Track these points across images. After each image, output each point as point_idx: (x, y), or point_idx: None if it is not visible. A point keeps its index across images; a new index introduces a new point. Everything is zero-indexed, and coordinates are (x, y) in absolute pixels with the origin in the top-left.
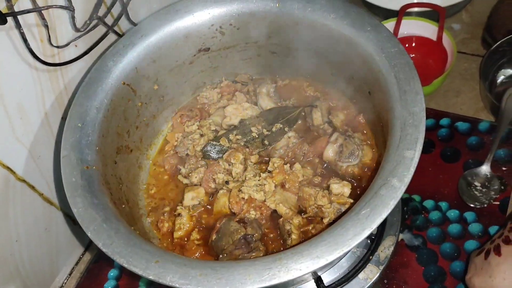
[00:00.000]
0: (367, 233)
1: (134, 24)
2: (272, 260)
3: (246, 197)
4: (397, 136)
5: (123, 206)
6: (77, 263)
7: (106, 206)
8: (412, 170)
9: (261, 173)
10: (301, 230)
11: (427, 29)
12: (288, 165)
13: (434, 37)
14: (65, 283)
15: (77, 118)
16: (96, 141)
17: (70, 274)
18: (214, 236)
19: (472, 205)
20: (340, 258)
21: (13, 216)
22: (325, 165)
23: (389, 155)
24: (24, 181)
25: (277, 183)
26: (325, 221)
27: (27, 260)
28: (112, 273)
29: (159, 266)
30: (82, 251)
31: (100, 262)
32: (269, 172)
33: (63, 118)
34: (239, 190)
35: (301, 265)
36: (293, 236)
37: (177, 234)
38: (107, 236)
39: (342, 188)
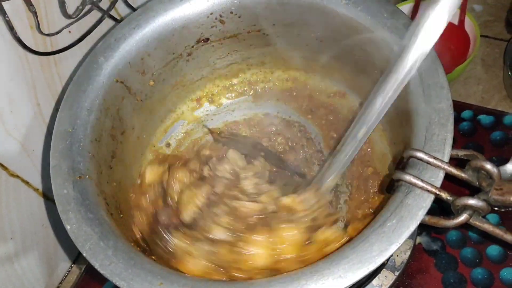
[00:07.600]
0: (394, 248)
1: (132, 8)
2: (290, 280)
3: None
4: (421, 136)
5: (121, 216)
6: (77, 258)
7: (102, 221)
8: (441, 175)
9: None
10: None
11: None
12: None
13: (454, 20)
14: (64, 279)
15: (66, 122)
16: (89, 147)
17: (69, 271)
18: None
19: (495, 208)
20: (366, 276)
21: (6, 213)
22: None
23: None
24: (17, 176)
25: None
26: None
27: (23, 257)
28: None
29: None
30: None
31: None
32: None
33: (57, 109)
34: None
35: (322, 285)
36: None
37: None
38: (105, 256)
39: None
